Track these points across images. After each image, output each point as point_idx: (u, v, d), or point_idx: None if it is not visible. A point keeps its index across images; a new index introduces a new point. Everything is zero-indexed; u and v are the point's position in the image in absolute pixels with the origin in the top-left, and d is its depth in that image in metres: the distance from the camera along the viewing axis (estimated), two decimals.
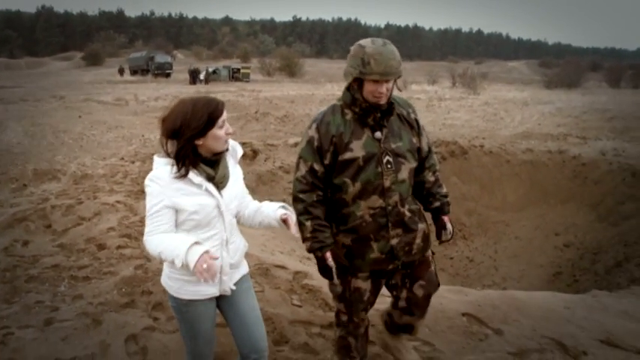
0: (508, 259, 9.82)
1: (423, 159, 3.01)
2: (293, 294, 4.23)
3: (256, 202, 2.77)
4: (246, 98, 23.97)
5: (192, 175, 2.37)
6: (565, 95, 34.73)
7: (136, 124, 14.74)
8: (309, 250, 2.87)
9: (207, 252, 2.22)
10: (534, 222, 10.01)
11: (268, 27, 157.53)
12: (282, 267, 4.74)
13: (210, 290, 2.53)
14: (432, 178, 3.05)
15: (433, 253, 3.15)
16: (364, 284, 2.98)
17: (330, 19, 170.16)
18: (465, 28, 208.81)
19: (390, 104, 2.82)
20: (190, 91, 28.37)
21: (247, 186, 8.58)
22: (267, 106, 20.85)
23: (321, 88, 33.28)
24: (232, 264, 2.59)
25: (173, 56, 69.19)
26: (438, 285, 3.15)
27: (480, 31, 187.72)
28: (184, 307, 2.54)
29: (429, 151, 3.05)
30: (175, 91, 28.64)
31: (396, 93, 2.89)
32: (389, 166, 2.78)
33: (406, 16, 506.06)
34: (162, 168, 2.39)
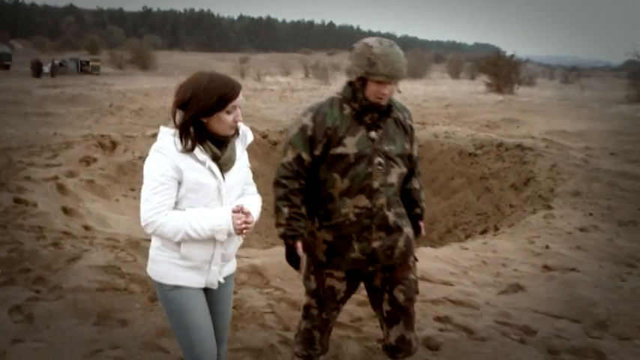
0: None
1: (412, 165, 3.00)
2: None
3: (256, 195, 2.62)
4: (99, 92, 23.42)
5: (197, 151, 2.26)
6: (410, 85, 37.42)
7: None
8: (282, 237, 2.84)
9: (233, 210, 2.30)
10: None
11: (117, 17, 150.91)
12: (150, 240, 5.21)
13: (198, 279, 2.40)
14: (417, 186, 3.05)
15: (416, 260, 3.09)
16: (339, 284, 2.90)
17: (182, 10, 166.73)
18: (318, 21, 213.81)
19: (389, 106, 2.80)
20: (35, 85, 27.05)
21: (108, 176, 8.73)
22: (120, 99, 20.61)
23: (175, 81, 32.81)
24: (224, 255, 2.45)
25: (11, 46, 64.42)
26: (417, 292, 3.06)
27: (331, 24, 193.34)
28: (169, 293, 2.38)
29: (417, 157, 3.04)
30: (18, 84, 27.15)
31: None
32: (379, 167, 2.75)
33: (259, 8, 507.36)
34: (168, 139, 2.27)
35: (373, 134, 2.75)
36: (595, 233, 6.35)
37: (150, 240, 2.51)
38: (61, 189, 7.63)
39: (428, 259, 5.26)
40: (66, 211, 6.88)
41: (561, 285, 4.84)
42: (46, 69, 39.35)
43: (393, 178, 2.79)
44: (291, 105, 20.46)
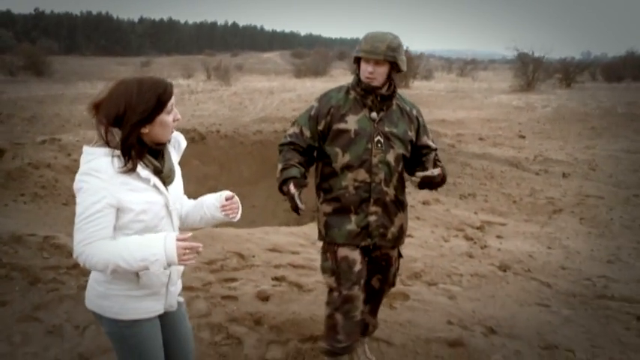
0: (248, 224, 11.54)
1: (425, 153, 3.11)
2: (44, 251, 5.28)
3: (191, 200, 2.49)
4: None
5: (139, 167, 2.03)
6: (310, 83, 38.29)
7: None
8: (279, 189, 3.01)
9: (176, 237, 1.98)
10: (267, 192, 11.64)
11: (5, 19, 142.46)
12: (33, 234, 5.69)
13: (157, 306, 2.22)
14: (432, 155, 3.11)
15: (401, 256, 3.36)
16: (352, 253, 3.04)
17: (79, 13, 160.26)
18: (221, 21, 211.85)
19: (392, 93, 3.04)
20: None
21: None
22: (11, 107, 20.16)
23: (73, 87, 32.34)
24: (179, 271, 2.33)
25: None
26: (393, 285, 3.39)
27: (235, 24, 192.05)
28: (128, 330, 2.15)
29: (435, 148, 3.17)
30: None
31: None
32: (379, 145, 2.97)
33: (160, 10, 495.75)
34: (101, 159, 1.97)
35: (374, 115, 3.01)
36: (435, 205, 7.42)
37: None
38: None
39: (281, 234, 6.09)
40: None
41: None
42: None
43: (391, 157, 3.02)
44: (188, 107, 20.73)
